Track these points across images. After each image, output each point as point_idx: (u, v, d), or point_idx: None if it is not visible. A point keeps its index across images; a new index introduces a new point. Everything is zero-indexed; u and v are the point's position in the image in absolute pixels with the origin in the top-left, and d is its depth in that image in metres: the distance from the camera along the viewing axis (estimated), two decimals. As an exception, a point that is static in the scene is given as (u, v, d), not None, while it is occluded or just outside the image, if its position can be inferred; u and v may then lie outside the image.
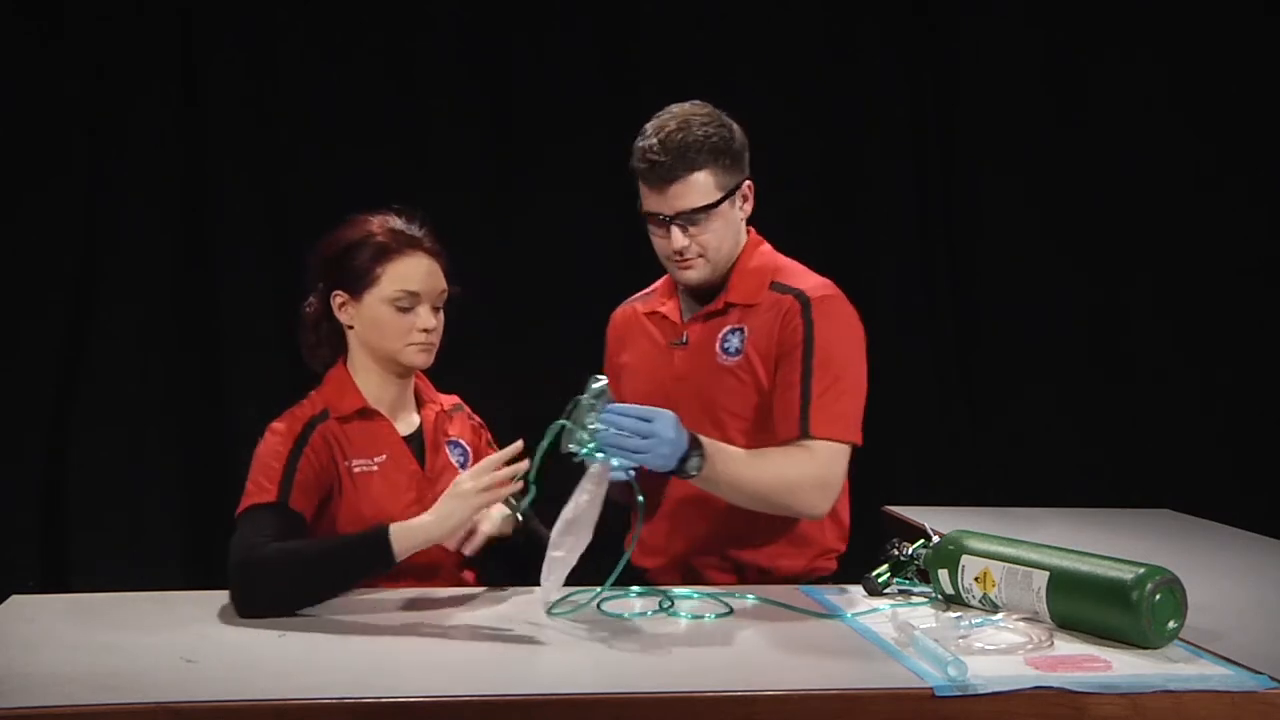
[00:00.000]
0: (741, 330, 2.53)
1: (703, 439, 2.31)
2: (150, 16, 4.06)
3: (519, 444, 2.25)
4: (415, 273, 2.42)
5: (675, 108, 2.53)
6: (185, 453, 4.09)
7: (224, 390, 4.09)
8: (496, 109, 4.24)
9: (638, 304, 2.70)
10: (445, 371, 2.57)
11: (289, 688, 1.81)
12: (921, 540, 2.35)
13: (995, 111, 4.33)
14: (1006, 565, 2.15)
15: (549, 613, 2.21)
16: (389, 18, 4.18)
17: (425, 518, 2.24)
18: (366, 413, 2.44)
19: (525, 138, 4.24)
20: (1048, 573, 2.09)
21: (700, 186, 2.44)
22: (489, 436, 2.62)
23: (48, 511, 4.04)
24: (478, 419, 2.63)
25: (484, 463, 2.25)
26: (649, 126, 2.49)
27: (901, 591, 2.33)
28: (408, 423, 2.50)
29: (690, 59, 4.24)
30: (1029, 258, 4.32)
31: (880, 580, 2.33)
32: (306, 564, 2.21)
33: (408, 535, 2.22)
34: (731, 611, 2.24)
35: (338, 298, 2.44)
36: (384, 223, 2.45)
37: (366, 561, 2.22)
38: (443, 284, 2.45)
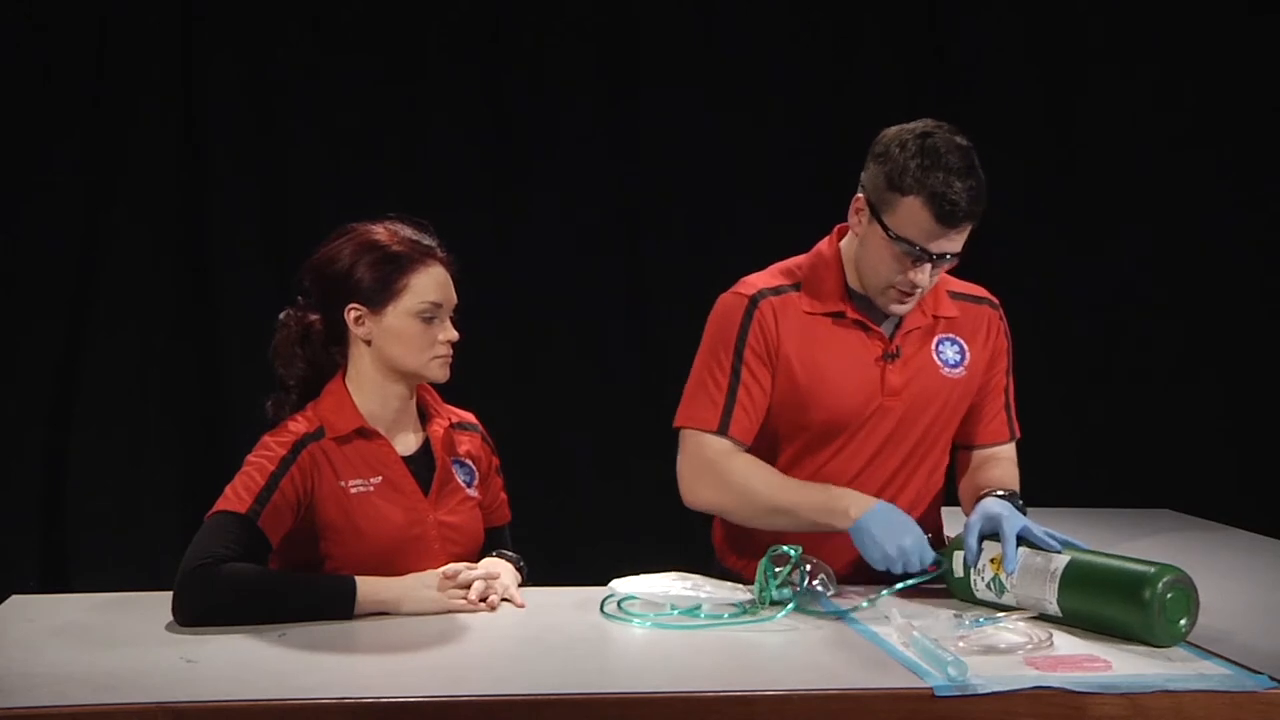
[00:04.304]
0: (954, 341, 2.53)
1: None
2: (150, 18, 4.06)
3: (497, 561, 2.36)
4: (436, 283, 2.34)
5: (955, 138, 2.37)
6: (185, 453, 4.09)
7: (224, 390, 4.09)
8: (497, 114, 4.24)
9: (795, 299, 2.49)
10: (448, 383, 2.48)
11: (289, 688, 1.81)
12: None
13: (995, 112, 4.33)
14: (1028, 549, 2.21)
15: (602, 608, 2.24)
16: (389, 22, 4.18)
17: (396, 588, 2.22)
18: (364, 432, 2.35)
19: (525, 143, 4.24)
20: (1067, 558, 2.14)
21: (965, 235, 2.40)
22: (498, 463, 2.54)
23: (48, 511, 4.05)
24: (491, 441, 2.54)
25: (466, 574, 2.26)
26: (934, 157, 2.33)
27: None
28: (407, 441, 2.41)
29: (690, 61, 4.25)
30: (1028, 258, 4.32)
31: None
32: (266, 594, 2.15)
33: (372, 595, 2.20)
34: (745, 611, 2.22)
35: (353, 311, 2.33)
36: (394, 232, 2.36)
37: (326, 609, 2.17)
38: (455, 294, 2.38)
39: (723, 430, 2.44)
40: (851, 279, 2.50)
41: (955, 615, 2.12)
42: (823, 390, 2.45)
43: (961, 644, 1.98)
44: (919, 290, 2.41)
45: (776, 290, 2.50)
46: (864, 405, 2.46)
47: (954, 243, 2.37)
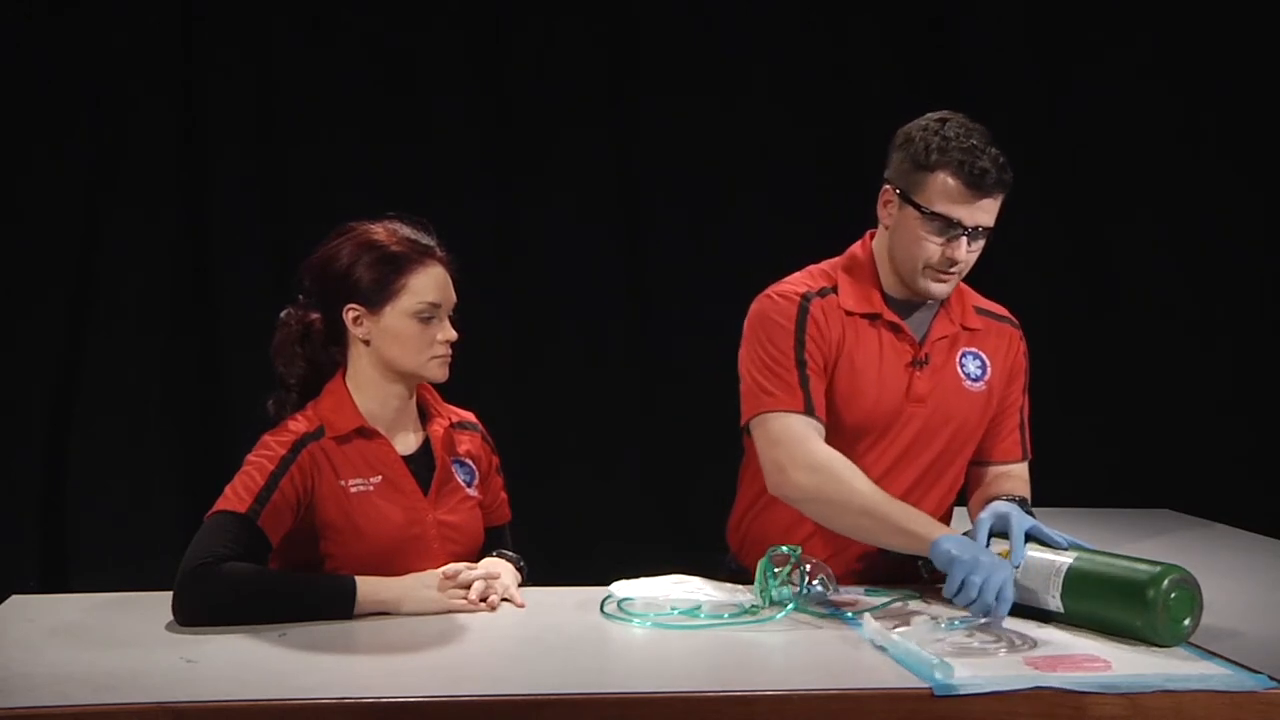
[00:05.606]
0: (976, 355, 2.54)
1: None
2: (150, 18, 4.06)
3: (497, 561, 2.37)
4: (435, 283, 2.34)
5: (962, 118, 2.42)
6: (185, 453, 4.09)
7: (224, 390, 4.08)
8: (498, 113, 4.24)
9: (837, 300, 2.48)
10: (448, 382, 2.48)
11: (289, 688, 1.82)
12: None
13: (996, 112, 4.30)
14: (1034, 545, 2.22)
15: (603, 609, 2.24)
16: (389, 21, 4.18)
17: (396, 588, 2.22)
18: (364, 432, 2.35)
19: (526, 142, 4.24)
20: (1072, 556, 2.15)
21: (996, 207, 2.40)
22: (498, 462, 2.54)
23: (48, 511, 4.05)
24: (491, 440, 2.54)
25: (467, 574, 2.26)
26: (958, 130, 2.37)
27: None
28: (407, 441, 2.41)
29: (690, 61, 4.25)
30: (1028, 256, 4.32)
31: None
32: (266, 594, 2.16)
33: (372, 595, 2.20)
34: (746, 611, 2.22)
35: (351, 311, 2.33)
36: (393, 231, 2.36)
37: (326, 609, 2.17)
38: (454, 294, 2.38)
39: (809, 412, 2.39)
40: (885, 280, 2.50)
41: (932, 619, 2.13)
42: (857, 391, 2.46)
43: (935, 646, 1.98)
44: (957, 268, 2.41)
45: (820, 293, 2.49)
46: (891, 410, 2.46)
47: (987, 214, 2.39)
